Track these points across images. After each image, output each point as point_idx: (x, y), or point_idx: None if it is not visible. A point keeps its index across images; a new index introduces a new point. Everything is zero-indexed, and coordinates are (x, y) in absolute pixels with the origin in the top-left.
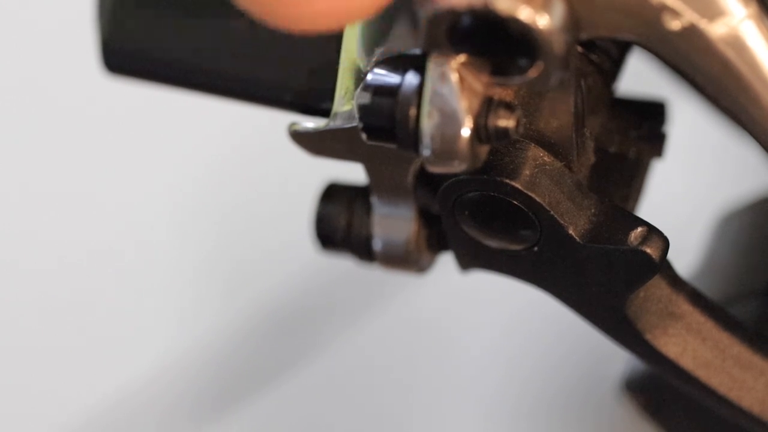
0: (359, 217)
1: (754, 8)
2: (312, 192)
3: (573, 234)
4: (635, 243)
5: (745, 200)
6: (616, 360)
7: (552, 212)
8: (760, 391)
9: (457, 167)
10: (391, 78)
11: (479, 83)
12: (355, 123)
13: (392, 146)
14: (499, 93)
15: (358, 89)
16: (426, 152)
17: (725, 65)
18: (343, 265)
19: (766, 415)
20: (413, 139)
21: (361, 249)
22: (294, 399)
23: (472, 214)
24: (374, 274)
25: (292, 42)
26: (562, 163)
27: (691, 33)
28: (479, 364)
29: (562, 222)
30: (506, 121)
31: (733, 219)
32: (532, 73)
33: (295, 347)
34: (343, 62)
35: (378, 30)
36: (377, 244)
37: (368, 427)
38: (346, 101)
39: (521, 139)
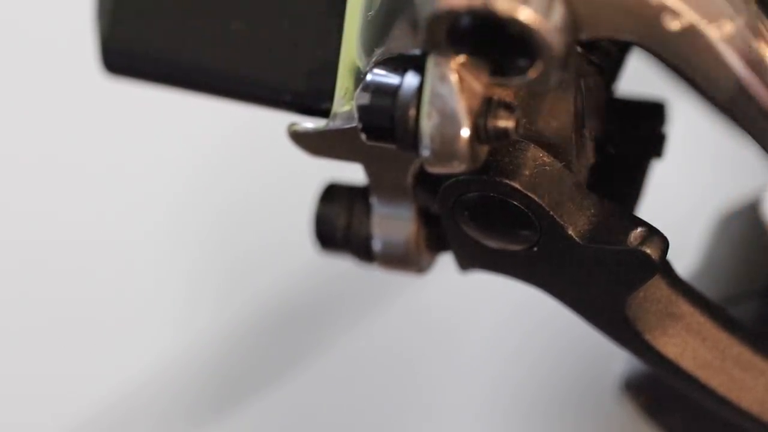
0: (359, 217)
1: (753, 9)
2: (312, 192)
3: (573, 234)
4: (635, 243)
5: (745, 200)
6: (616, 360)
7: (552, 213)
8: (760, 391)
9: (457, 168)
10: (390, 78)
11: (479, 84)
12: (355, 123)
13: (392, 147)
14: (499, 93)
15: (358, 90)
16: (425, 153)
17: (725, 65)
18: (343, 265)
19: (766, 415)
20: (413, 139)
21: (361, 249)
22: (293, 400)
23: (472, 215)
24: (373, 274)
25: (292, 42)
26: (562, 164)
27: (691, 33)
28: (478, 364)
29: (561, 222)
30: (506, 122)
31: (733, 219)
32: (532, 73)
33: (293, 348)
34: (342, 62)
35: (377, 30)
36: (377, 245)
37: (367, 427)
38: (345, 102)
39: (521, 139)
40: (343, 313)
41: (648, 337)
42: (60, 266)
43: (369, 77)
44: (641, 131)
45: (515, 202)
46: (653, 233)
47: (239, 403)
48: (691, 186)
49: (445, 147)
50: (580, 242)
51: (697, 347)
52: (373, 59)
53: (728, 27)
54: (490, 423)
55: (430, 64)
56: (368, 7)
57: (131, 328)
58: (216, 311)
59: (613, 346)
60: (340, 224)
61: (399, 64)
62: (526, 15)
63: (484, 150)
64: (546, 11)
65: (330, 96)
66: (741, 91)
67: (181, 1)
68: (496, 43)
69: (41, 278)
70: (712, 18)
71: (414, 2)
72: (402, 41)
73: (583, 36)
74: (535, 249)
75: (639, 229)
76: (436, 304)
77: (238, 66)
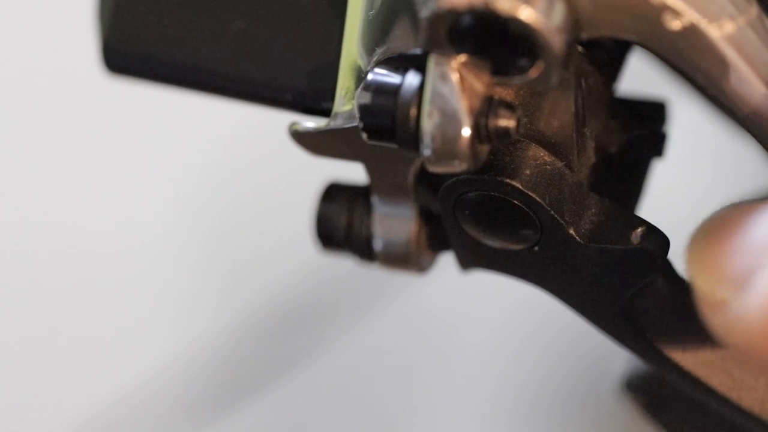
0: (360, 216)
1: (754, 9)
2: (312, 192)
3: (573, 234)
4: (635, 242)
5: (745, 200)
6: (616, 360)
7: (552, 212)
8: (760, 391)
9: (458, 167)
10: (391, 78)
11: (480, 83)
12: (356, 123)
13: (393, 146)
14: (500, 93)
15: (359, 89)
16: (426, 152)
17: (725, 65)
18: (343, 265)
19: (766, 415)
20: (414, 138)
21: (362, 249)
22: (293, 400)
23: (473, 214)
24: (375, 274)
25: (293, 42)
26: (563, 163)
27: (692, 33)
28: (479, 365)
29: (562, 222)
30: (507, 121)
31: None
32: (533, 73)
33: (294, 348)
34: (343, 62)
35: (378, 30)
36: (378, 244)
37: (367, 427)
38: (346, 101)
39: (522, 138)
40: (343, 313)
41: (649, 336)
42: (62, 268)
43: (370, 76)
44: (642, 131)
45: (516, 202)
46: (654, 232)
47: (239, 403)
48: (691, 185)
49: (446, 146)
50: (581, 241)
51: (697, 346)
52: (374, 58)
53: (729, 26)
54: (491, 423)
55: (431, 63)
56: (369, 7)
57: (133, 329)
58: (217, 312)
59: (614, 346)
60: (341, 224)
61: (400, 63)
62: (527, 14)
63: (484, 149)
64: (547, 11)
65: (331, 95)
66: (741, 91)
67: (183, 0)
68: (497, 43)
69: (44, 280)
70: (713, 17)
71: (415, 2)
72: (403, 40)
73: (584, 35)
74: (536, 248)
75: (640, 229)
76: (436, 305)
77: (239, 65)
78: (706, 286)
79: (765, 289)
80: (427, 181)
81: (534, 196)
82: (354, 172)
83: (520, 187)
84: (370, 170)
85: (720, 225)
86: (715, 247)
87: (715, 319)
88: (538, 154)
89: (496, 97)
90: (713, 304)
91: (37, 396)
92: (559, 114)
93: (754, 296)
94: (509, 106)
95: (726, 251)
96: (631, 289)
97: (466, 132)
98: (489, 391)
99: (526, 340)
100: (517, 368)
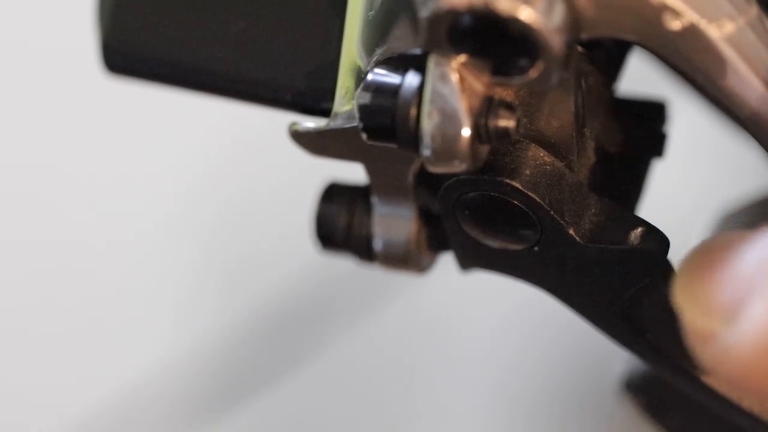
0: (359, 217)
1: (754, 9)
2: (312, 192)
3: (573, 234)
4: (635, 242)
5: (745, 199)
6: (616, 360)
7: (552, 212)
8: None
9: (458, 167)
10: (391, 78)
11: (480, 83)
12: (356, 123)
13: (392, 146)
14: (500, 93)
15: (359, 89)
16: (426, 152)
17: (725, 65)
18: (343, 265)
19: (766, 415)
20: (413, 139)
21: (362, 249)
22: (293, 400)
23: (473, 214)
24: (374, 274)
25: (293, 42)
26: (563, 163)
27: (691, 33)
28: (479, 365)
29: (562, 222)
30: (506, 121)
31: (732, 218)
32: (533, 73)
33: (294, 348)
34: (343, 62)
35: (378, 30)
36: (377, 244)
37: (367, 427)
38: (346, 101)
39: (521, 139)
40: (343, 313)
41: (649, 336)
42: (61, 267)
43: (370, 77)
44: (642, 131)
45: (516, 202)
46: (653, 232)
47: (239, 403)
48: (691, 185)
49: (446, 146)
50: (581, 242)
51: None
52: (374, 59)
53: (729, 27)
54: (490, 423)
55: (431, 63)
56: (369, 7)
57: (132, 328)
58: (217, 311)
59: (614, 347)
60: (340, 224)
61: (400, 63)
62: (527, 15)
63: (484, 149)
64: (547, 11)
65: (331, 95)
66: (741, 91)
67: (183, 0)
68: (497, 43)
69: (43, 279)
70: (713, 18)
71: (415, 2)
72: (403, 41)
73: (584, 35)
74: (536, 248)
75: (639, 229)
76: (436, 305)
77: (238, 65)
78: (694, 318)
79: (753, 320)
80: (427, 181)
81: (534, 196)
82: (354, 172)
83: (520, 187)
84: (370, 170)
85: (707, 256)
86: (702, 279)
87: (704, 351)
88: (538, 154)
89: (496, 97)
90: (702, 337)
91: (36, 396)
92: (559, 114)
93: (742, 328)
94: (509, 107)
95: (714, 283)
96: (631, 289)
97: (466, 132)
98: (489, 391)
99: (526, 340)
100: (517, 368)
